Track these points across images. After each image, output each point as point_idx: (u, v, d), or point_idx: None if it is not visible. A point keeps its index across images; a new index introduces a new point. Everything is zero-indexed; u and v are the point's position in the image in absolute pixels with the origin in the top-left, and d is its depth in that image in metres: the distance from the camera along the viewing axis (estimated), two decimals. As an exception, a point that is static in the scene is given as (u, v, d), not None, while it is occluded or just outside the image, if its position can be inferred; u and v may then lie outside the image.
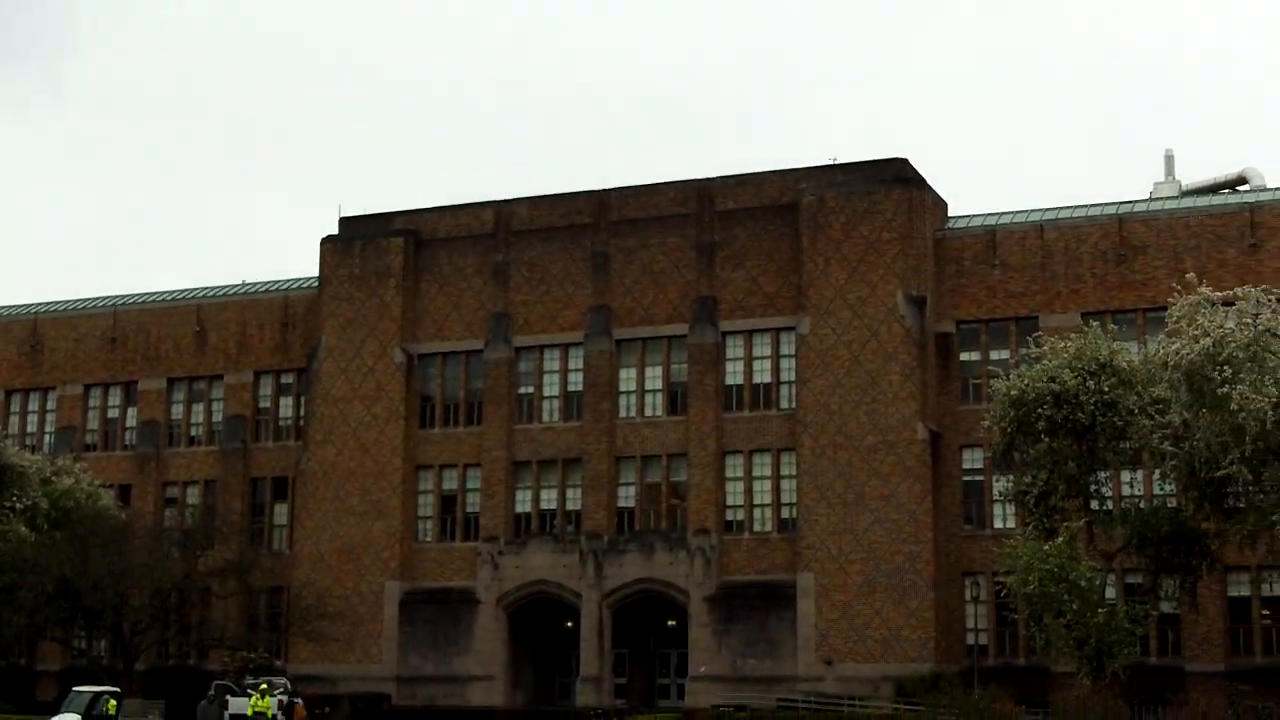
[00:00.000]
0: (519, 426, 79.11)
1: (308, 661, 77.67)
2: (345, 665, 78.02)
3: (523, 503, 78.76)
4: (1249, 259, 67.91)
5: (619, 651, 77.35)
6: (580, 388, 78.27)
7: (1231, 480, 51.43)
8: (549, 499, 78.40)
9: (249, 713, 61.10)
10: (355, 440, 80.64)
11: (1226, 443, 47.84)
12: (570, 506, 77.80)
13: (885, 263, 71.98)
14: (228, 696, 67.66)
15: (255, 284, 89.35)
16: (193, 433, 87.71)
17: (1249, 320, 47.61)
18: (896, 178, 73.38)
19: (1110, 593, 60.84)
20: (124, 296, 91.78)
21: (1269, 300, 48.87)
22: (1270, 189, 73.26)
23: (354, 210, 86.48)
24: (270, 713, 61.28)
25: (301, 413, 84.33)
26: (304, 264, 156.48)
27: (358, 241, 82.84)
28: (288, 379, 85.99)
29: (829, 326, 72.28)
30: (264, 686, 63.00)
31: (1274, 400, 46.60)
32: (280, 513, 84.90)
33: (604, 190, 79.62)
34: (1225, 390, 46.40)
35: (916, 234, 72.35)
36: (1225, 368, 46.70)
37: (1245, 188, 76.11)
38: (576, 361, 78.67)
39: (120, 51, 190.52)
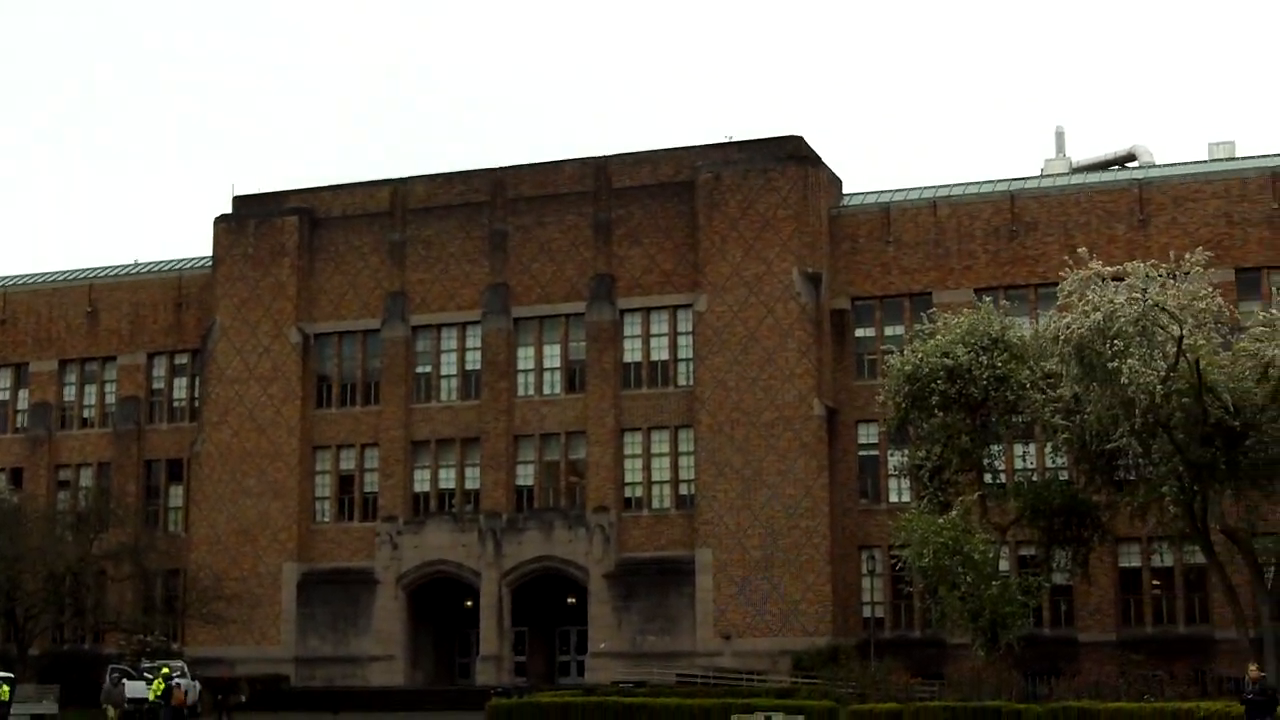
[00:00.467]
0: (417, 406, 78.84)
1: (205, 644, 77.04)
2: (243, 647, 77.49)
3: (421, 482, 78.51)
4: (1138, 235, 68.93)
5: (519, 630, 77.39)
6: (478, 366, 78.10)
7: (1122, 453, 52.16)
8: (448, 478, 78.22)
9: (151, 697, 60.50)
10: (251, 421, 80.00)
11: (1117, 416, 48.48)
12: (469, 485, 77.66)
13: (781, 240, 72.37)
14: (124, 680, 67.02)
15: (148, 264, 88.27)
16: (85, 415, 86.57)
17: (1138, 295, 48.16)
18: (792, 155, 73.75)
19: (1004, 565, 61.70)
20: (14, 277, 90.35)
21: (1158, 275, 49.55)
22: (1159, 166, 74.41)
23: (248, 189, 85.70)
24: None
25: (196, 394, 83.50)
26: (198, 244, 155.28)
27: (252, 220, 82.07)
28: (182, 360, 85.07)
29: (726, 304, 72.58)
30: (165, 671, 62.45)
31: (1162, 374, 47.30)
32: (176, 495, 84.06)
33: (501, 168, 79.44)
34: (1115, 364, 46.98)
35: (812, 211, 72.79)
36: (1115, 342, 47.28)
37: (1134, 165, 77.25)
38: (474, 340, 78.49)
39: None
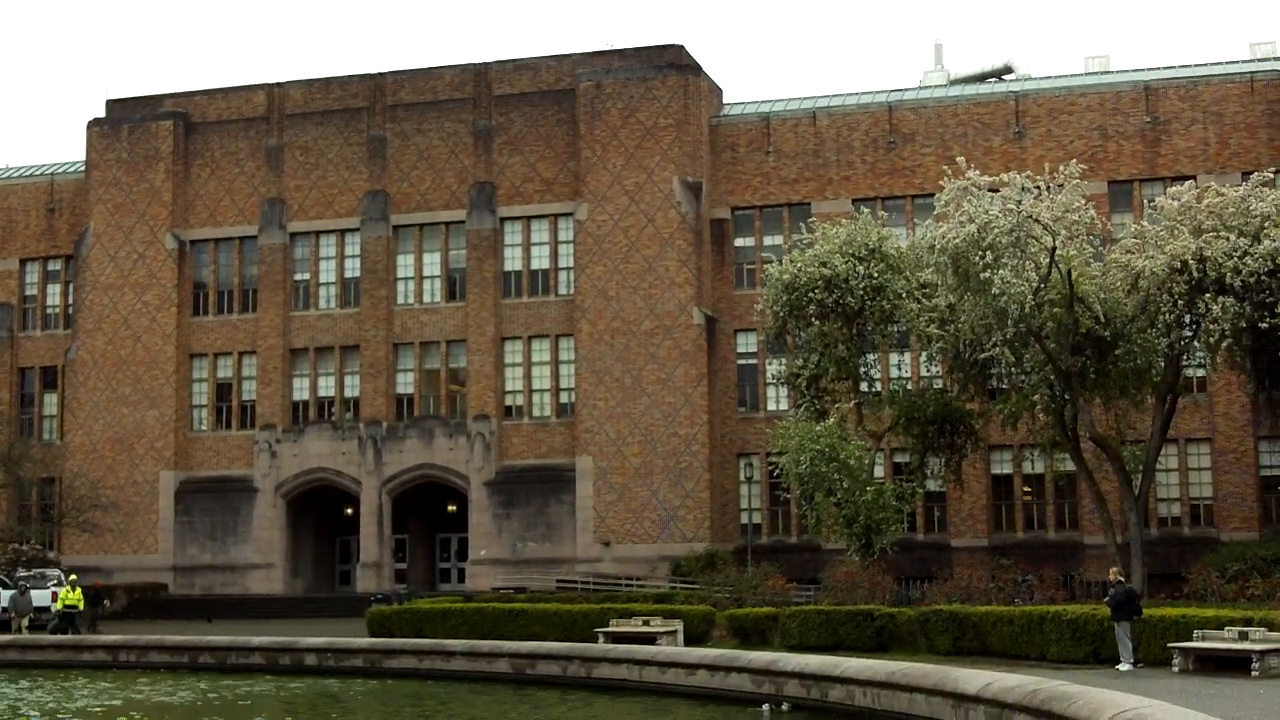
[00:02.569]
0: (295, 313, 78.36)
1: (82, 553, 76.45)
2: (121, 556, 77.04)
3: (300, 390, 78.20)
4: (1014, 147, 69.75)
5: (399, 537, 77.57)
6: (358, 274, 77.68)
7: (994, 362, 52.97)
8: (327, 386, 77.95)
9: (59, 606, 59.73)
10: (126, 328, 79.08)
11: (990, 325, 49.15)
12: (349, 394, 77.47)
13: (662, 149, 72.43)
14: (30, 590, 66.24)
15: (19, 168, 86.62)
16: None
17: (1013, 206, 48.71)
18: (672, 64, 73.70)
19: (879, 472, 62.68)
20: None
21: (1032, 187, 50.16)
22: (1035, 79, 75.15)
23: (122, 93, 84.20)
24: (80, 603, 60.03)
25: (70, 301, 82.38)
26: (71, 149, 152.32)
27: (125, 125, 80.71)
28: (55, 266, 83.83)
29: (606, 213, 72.64)
30: (73, 578, 61.84)
31: (1035, 284, 48.04)
32: (50, 403, 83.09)
33: (380, 74, 78.67)
34: (989, 275, 47.59)
35: (692, 121, 72.87)
36: (989, 253, 47.82)
37: (1011, 77, 77.91)
38: (353, 248, 78.01)
39: None
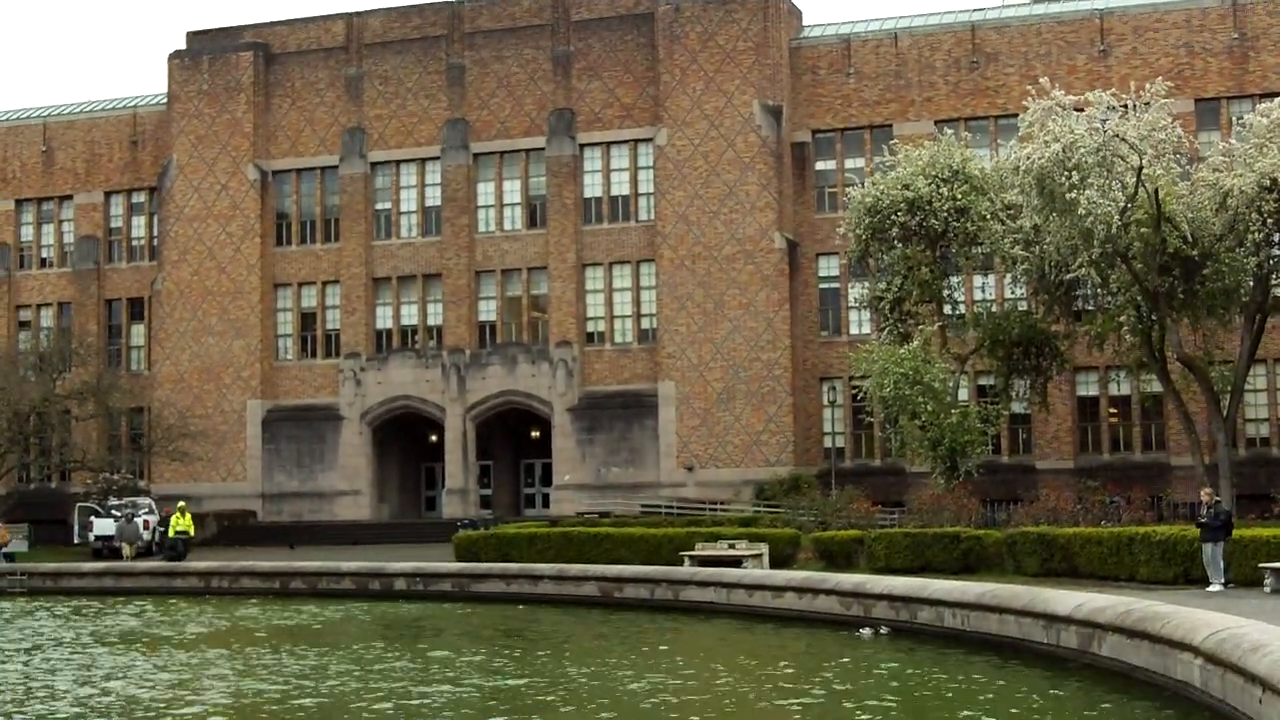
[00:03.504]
0: (377, 243, 78.75)
1: (172, 481, 77.51)
2: (210, 484, 78.08)
3: (383, 319, 78.68)
4: (1098, 65, 68.84)
5: (484, 464, 78.16)
6: (438, 203, 77.91)
7: (1080, 283, 52.70)
8: (410, 315, 78.40)
9: (171, 533, 60.71)
10: (211, 259, 79.77)
11: (1075, 246, 48.83)
12: (431, 322, 77.87)
13: (741, 73, 72.02)
14: (92, 518, 67.47)
15: (102, 102, 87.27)
16: (44, 255, 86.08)
17: (1098, 126, 48.27)
18: (752, -14, 73.12)
19: (963, 394, 62.53)
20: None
21: (1118, 106, 49.63)
22: (1119, -5, 74.04)
23: (202, 25, 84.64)
24: (191, 529, 61.29)
25: (155, 232, 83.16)
26: (153, 81, 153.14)
27: (206, 57, 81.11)
28: (139, 198, 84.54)
29: (686, 138, 72.38)
30: (182, 504, 62.82)
31: (1121, 204, 47.63)
32: (137, 334, 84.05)
33: (458, 1, 78.58)
34: (1074, 195, 47.22)
35: (772, 43, 72.35)
36: (1074, 173, 47.42)
37: (1095, -6, 76.75)
38: (434, 176, 78.21)
39: None
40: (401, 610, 42.27)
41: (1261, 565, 35.82)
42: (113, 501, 69.60)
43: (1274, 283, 52.82)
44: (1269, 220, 47.01)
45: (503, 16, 77.42)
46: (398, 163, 78.74)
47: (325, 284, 79.52)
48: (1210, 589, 35.76)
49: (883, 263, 58.88)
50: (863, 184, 59.87)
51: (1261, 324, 52.40)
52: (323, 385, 78.65)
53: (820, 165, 73.32)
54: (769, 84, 71.91)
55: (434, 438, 78.44)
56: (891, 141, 63.49)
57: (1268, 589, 35.01)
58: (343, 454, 77.54)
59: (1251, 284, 50.47)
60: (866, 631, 31.61)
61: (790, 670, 27.05)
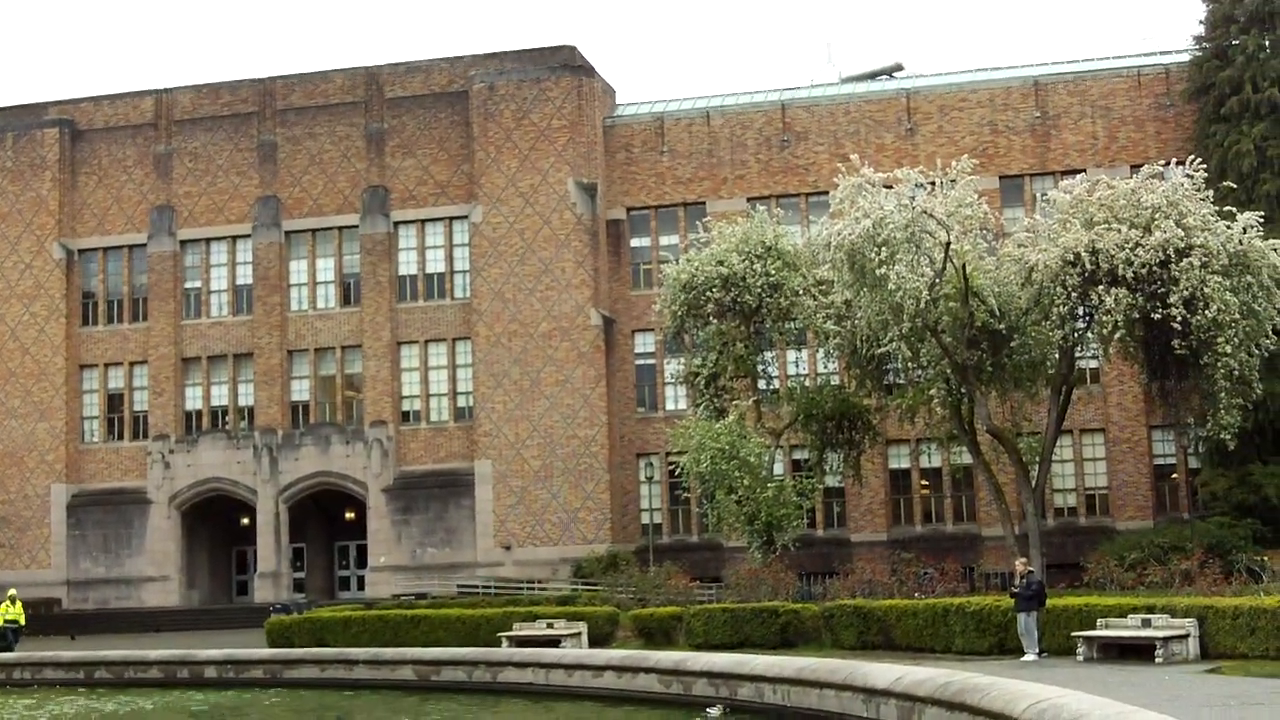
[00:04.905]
0: (187, 322, 77.35)
1: (-29, 569, 75.05)
2: (13, 572, 75.60)
3: (193, 400, 77.19)
4: (905, 143, 70.21)
5: (297, 546, 76.75)
6: (250, 281, 76.83)
7: (891, 357, 53.21)
8: (220, 395, 77.02)
9: (0, 622, 58.31)
10: (14, 340, 77.70)
11: (886, 321, 49.33)
12: (243, 402, 76.58)
13: (556, 150, 72.23)
14: None
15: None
16: None
17: (907, 202, 48.97)
18: (565, 65, 73.50)
19: (779, 469, 62.79)
20: None
21: (925, 183, 50.46)
22: (925, 76, 75.70)
23: (4, 101, 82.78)
24: (21, 618, 58.76)
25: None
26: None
27: (10, 133, 79.32)
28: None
29: (501, 215, 72.31)
30: (12, 593, 60.49)
31: (929, 280, 48.28)
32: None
33: (269, 78, 77.84)
34: (884, 270, 47.79)
35: (586, 121, 72.70)
36: (884, 248, 47.97)
37: (902, 75, 78.39)
38: (245, 254, 77.14)
39: None
40: (216, 699, 41.05)
41: (1074, 634, 36.32)
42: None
43: (1079, 355, 53.99)
44: (1073, 294, 47.93)
45: (315, 93, 76.84)
46: (208, 240, 77.55)
47: (133, 364, 77.83)
48: (1025, 659, 36.15)
49: (698, 338, 59.17)
50: (677, 260, 60.21)
51: (1068, 396, 53.37)
52: (130, 468, 76.83)
53: (635, 242, 73.69)
54: (584, 161, 72.17)
55: (245, 520, 76.94)
56: (705, 219, 64.00)
57: (1080, 657, 35.50)
58: (151, 539, 75.68)
59: (1057, 356, 51.40)
60: (714, 711, 30.89)
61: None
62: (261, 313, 75.94)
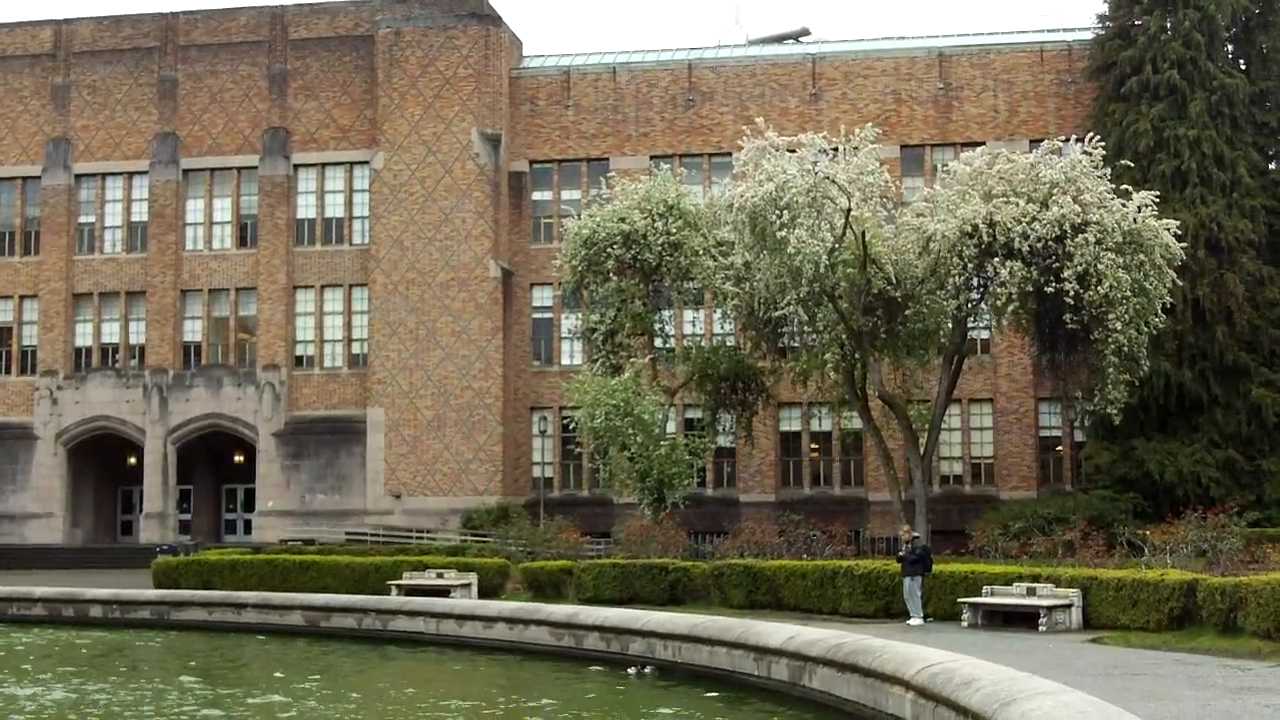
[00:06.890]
0: (79, 257, 76.31)
1: None
2: (-110, 504, 74.58)
3: (83, 336, 76.23)
4: (810, 108, 70.56)
5: (184, 488, 76.11)
6: (145, 218, 75.88)
7: (787, 321, 53.62)
8: (111, 333, 76.10)
9: None
10: (-100, 269, 76.34)
11: (784, 284, 49.68)
12: (134, 341, 75.75)
13: (461, 100, 71.88)
14: None
15: None
16: None
17: (809, 167, 49.30)
18: (473, 14, 73.07)
19: (672, 427, 63.26)
20: None
21: (829, 149, 50.82)
22: (831, 42, 76.07)
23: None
24: None
25: None
26: None
27: (-99, 57, 77.75)
28: None
29: (403, 162, 71.91)
30: None
31: (829, 245, 48.68)
32: None
33: (172, 13, 76.74)
34: (784, 234, 48.14)
35: (492, 72, 72.39)
36: (785, 212, 48.32)
37: (809, 39, 78.73)
38: (141, 191, 76.15)
39: None
40: (98, 638, 40.81)
41: (960, 600, 36.97)
42: None
43: (971, 325, 54.76)
44: (969, 265, 48.59)
45: (218, 31, 75.90)
46: (104, 175, 76.47)
47: (23, 298, 76.68)
48: (910, 623, 36.75)
49: (597, 295, 59.22)
50: (579, 215, 60.27)
51: (959, 365, 54.12)
52: (17, 403, 75.80)
53: (537, 195, 73.58)
54: (488, 112, 71.90)
55: (133, 460, 76.24)
56: (608, 175, 63.98)
57: (964, 623, 36.13)
58: (36, 475, 74.80)
59: (950, 326, 52.05)
60: (632, 671, 30.19)
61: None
62: (156, 251, 75.08)
